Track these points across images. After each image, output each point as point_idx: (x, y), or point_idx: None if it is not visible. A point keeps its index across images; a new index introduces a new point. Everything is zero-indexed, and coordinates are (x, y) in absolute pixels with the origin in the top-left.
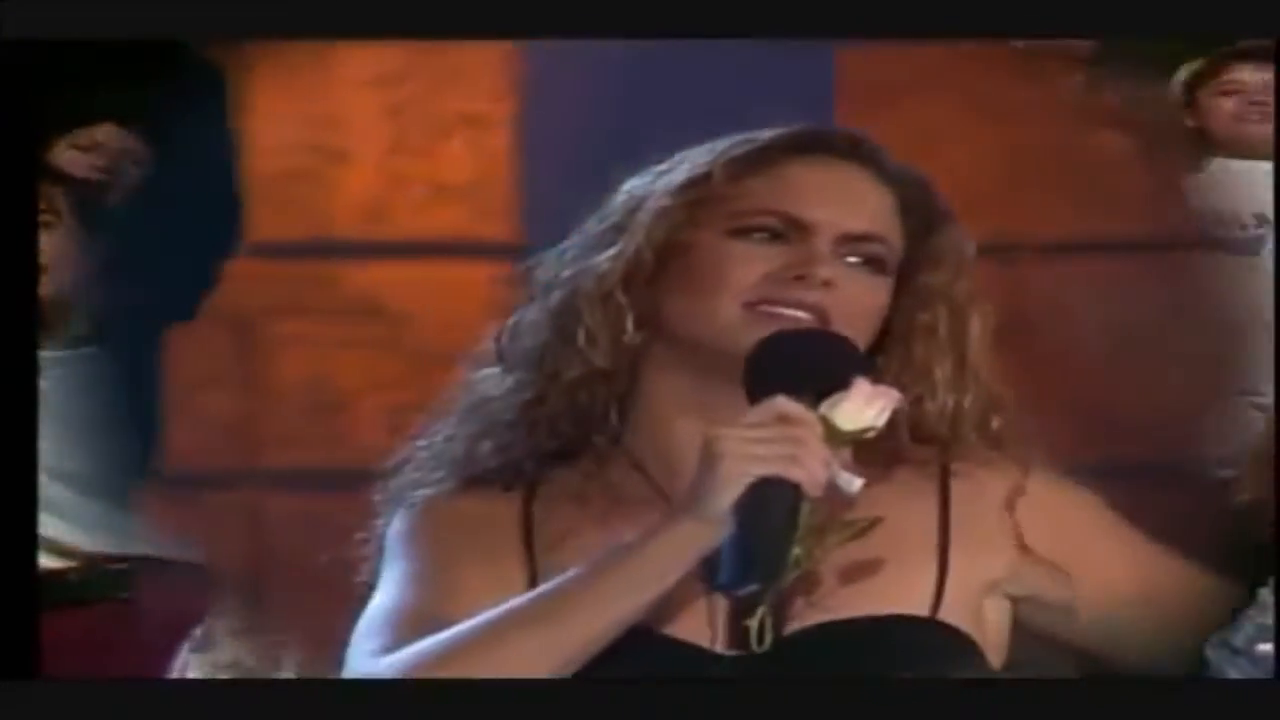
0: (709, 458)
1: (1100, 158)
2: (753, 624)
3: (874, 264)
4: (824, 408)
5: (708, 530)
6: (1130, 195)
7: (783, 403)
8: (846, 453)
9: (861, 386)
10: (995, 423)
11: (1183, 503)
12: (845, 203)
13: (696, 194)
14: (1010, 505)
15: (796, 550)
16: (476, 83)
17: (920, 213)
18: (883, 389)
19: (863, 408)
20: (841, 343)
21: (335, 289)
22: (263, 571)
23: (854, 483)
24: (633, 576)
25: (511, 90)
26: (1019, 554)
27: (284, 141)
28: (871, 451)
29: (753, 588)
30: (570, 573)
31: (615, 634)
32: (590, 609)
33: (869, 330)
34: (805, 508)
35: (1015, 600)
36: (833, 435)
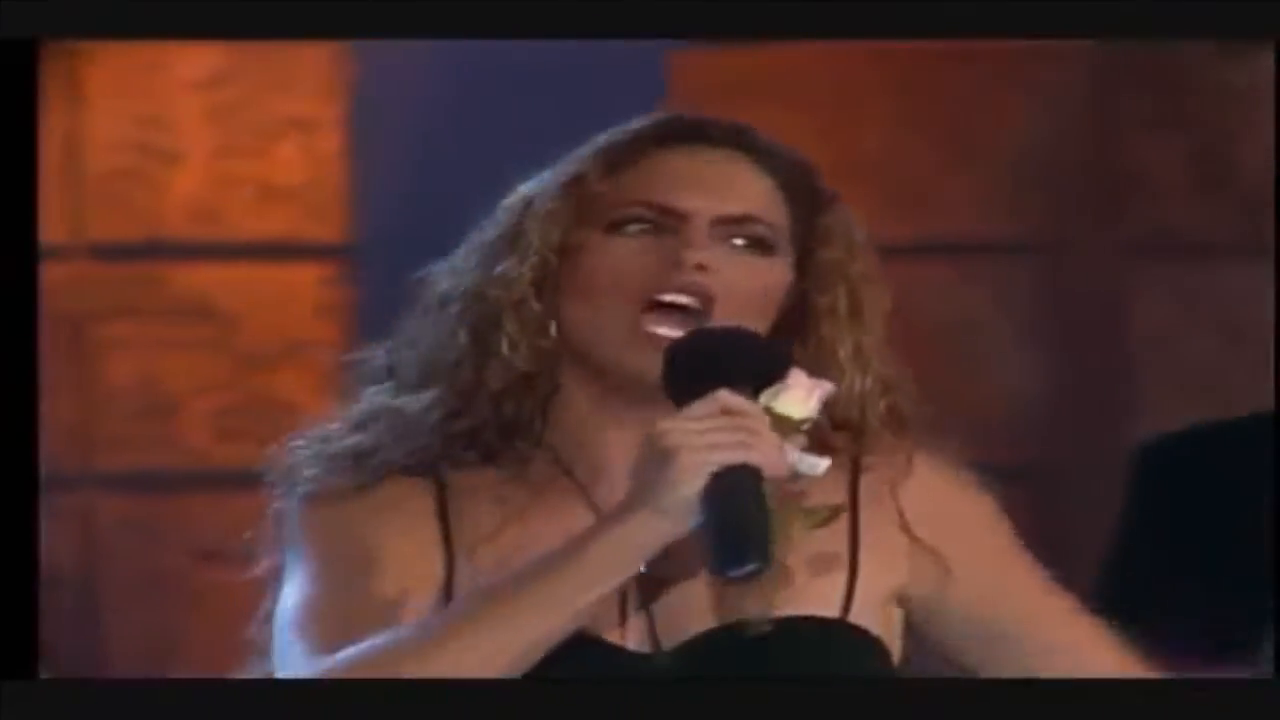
0: (661, 452)
1: (928, 161)
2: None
3: (758, 245)
4: (765, 399)
5: (668, 523)
6: (954, 199)
7: (725, 396)
8: (801, 439)
9: (799, 376)
10: (882, 404)
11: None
12: (719, 188)
13: (577, 193)
14: (894, 489)
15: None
16: (306, 84)
17: (804, 195)
18: (817, 380)
19: (804, 397)
20: (758, 336)
21: (164, 290)
22: (97, 574)
23: (819, 465)
24: (587, 571)
25: (341, 92)
26: (910, 543)
27: (114, 140)
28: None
29: (751, 568)
30: (519, 570)
31: (570, 630)
32: (545, 606)
33: (763, 312)
34: (767, 492)
35: (910, 599)
36: (779, 424)
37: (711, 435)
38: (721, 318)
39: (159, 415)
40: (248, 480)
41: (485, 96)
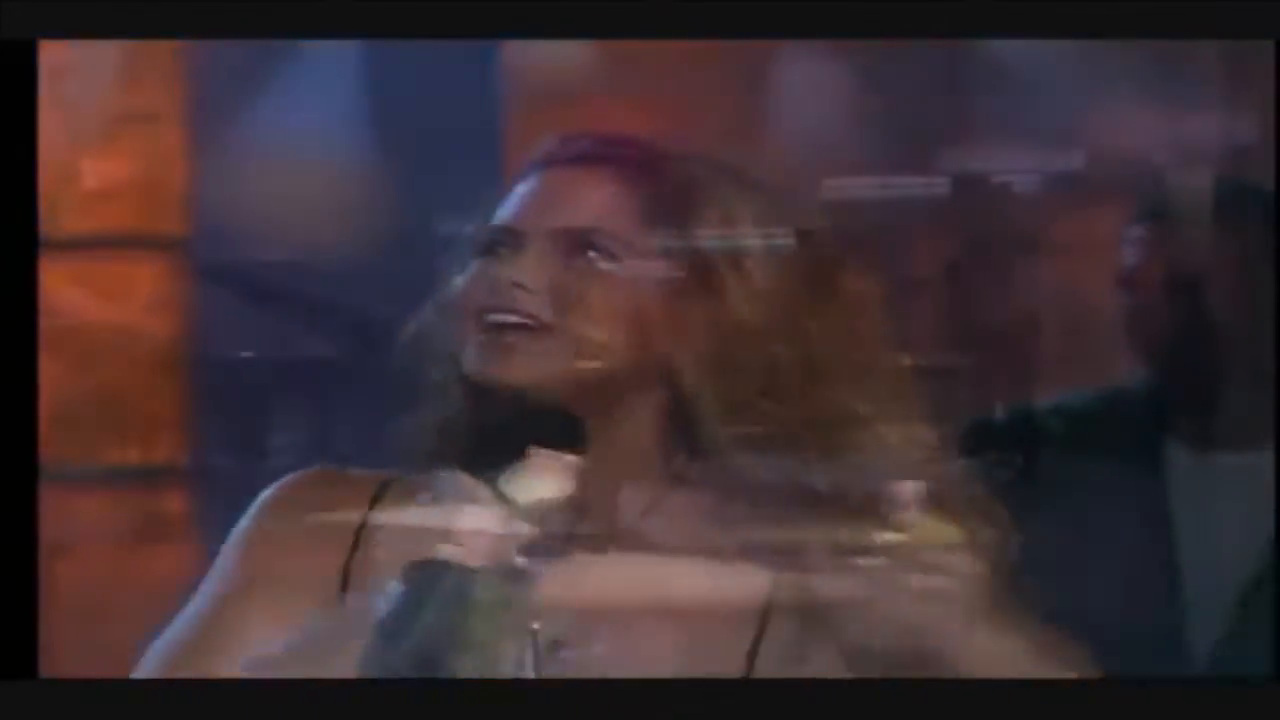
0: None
1: (770, 158)
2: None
3: (607, 255)
4: (501, 481)
5: (370, 608)
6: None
7: (456, 477)
8: (524, 526)
9: (536, 458)
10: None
11: None
12: (554, 204)
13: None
14: None
15: (480, 630)
16: (145, 78)
17: (668, 195)
18: (564, 460)
19: (535, 481)
20: (549, 415)
21: None
22: None
23: (523, 563)
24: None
25: (182, 86)
26: None
27: None
28: None
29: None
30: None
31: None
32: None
33: (632, 320)
34: (480, 583)
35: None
36: (512, 509)
37: (414, 525)
38: (579, 334)
39: None
40: (81, 477)
41: (326, 93)
